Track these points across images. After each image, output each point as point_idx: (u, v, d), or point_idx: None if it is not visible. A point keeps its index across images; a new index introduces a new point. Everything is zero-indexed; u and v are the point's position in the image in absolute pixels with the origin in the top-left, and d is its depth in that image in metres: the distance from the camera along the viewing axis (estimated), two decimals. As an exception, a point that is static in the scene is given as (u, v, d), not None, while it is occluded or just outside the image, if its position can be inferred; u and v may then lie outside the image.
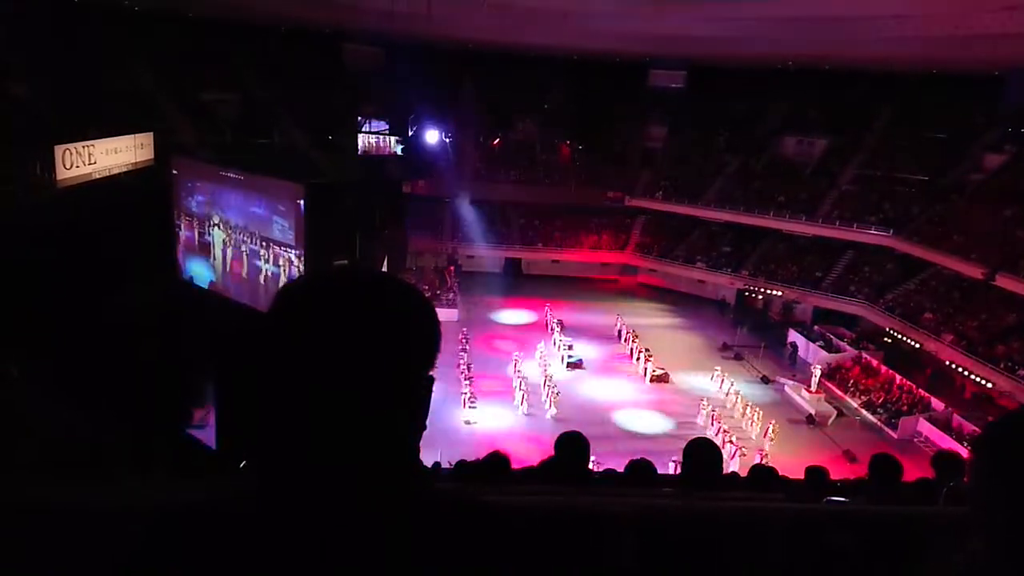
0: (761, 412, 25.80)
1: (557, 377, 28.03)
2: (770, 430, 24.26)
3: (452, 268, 40.31)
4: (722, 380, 28.47)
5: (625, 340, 33.08)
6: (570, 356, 30.34)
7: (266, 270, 25.96)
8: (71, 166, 24.80)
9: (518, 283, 41.75)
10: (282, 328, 1.01)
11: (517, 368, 27.90)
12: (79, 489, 1.50)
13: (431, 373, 1.07)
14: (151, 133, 30.67)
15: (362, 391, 0.98)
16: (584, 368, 30.17)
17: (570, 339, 31.87)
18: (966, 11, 26.31)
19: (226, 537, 0.97)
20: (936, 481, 5.52)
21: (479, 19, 32.47)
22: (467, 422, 24.19)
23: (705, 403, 26.32)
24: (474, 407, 24.78)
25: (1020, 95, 34.36)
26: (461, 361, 27.71)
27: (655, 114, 46.42)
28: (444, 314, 33.02)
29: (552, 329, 33.28)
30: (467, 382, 25.74)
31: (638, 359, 30.68)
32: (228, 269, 27.95)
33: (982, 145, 38.13)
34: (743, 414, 26.22)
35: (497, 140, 45.52)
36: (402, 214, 37.62)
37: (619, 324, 34.56)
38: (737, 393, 27.51)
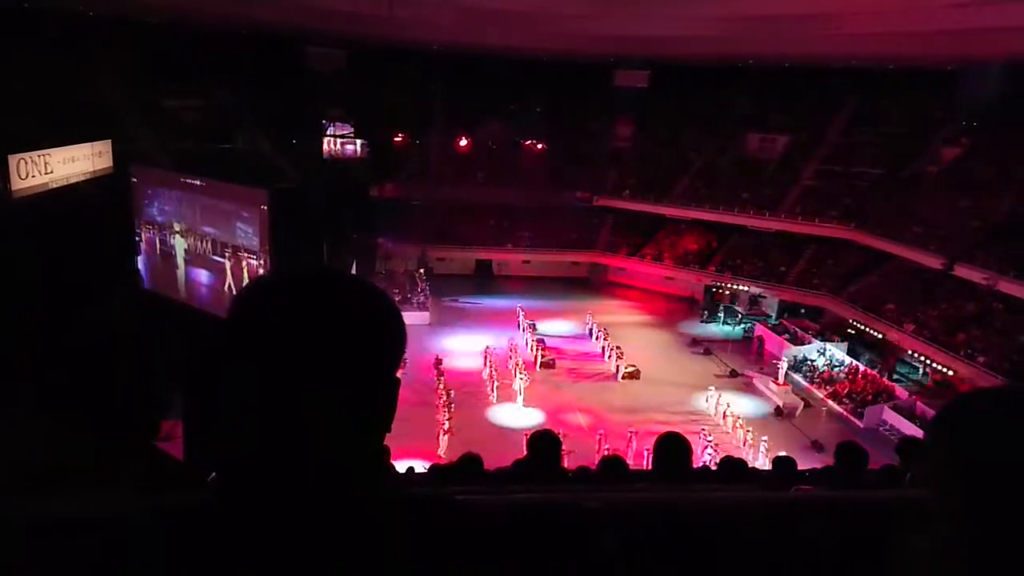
0: (761, 436, 23.26)
1: (528, 371, 28.03)
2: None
3: (422, 271, 40.13)
4: (717, 400, 26.47)
5: (596, 338, 33.27)
6: (542, 355, 30.39)
7: (229, 277, 25.60)
8: (27, 176, 24.21)
9: (489, 284, 41.75)
10: (243, 331, 1.00)
11: (489, 363, 27.90)
12: (46, 502, 1.48)
13: (398, 376, 1.07)
14: (109, 141, 30.04)
15: (326, 393, 0.98)
16: (555, 367, 30.23)
17: (542, 338, 31.94)
18: (917, 8, 26.96)
19: (194, 546, 0.96)
20: (901, 468, 5.66)
21: (444, 20, 32.37)
22: (441, 455, 21.25)
23: (706, 431, 23.13)
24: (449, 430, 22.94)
25: (973, 89, 35.25)
26: (440, 388, 25.56)
27: (622, 114, 46.76)
28: (416, 317, 32.85)
29: (524, 329, 33.33)
30: (446, 411, 23.56)
31: (610, 357, 30.87)
32: (190, 277, 27.51)
33: (939, 138, 39.08)
34: (744, 440, 23.63)
35: (465, 142, 45.43)
36: (370, 218, 37.36)
37: (590, 323, 34.75)
38: (736, 418, 25.05)
